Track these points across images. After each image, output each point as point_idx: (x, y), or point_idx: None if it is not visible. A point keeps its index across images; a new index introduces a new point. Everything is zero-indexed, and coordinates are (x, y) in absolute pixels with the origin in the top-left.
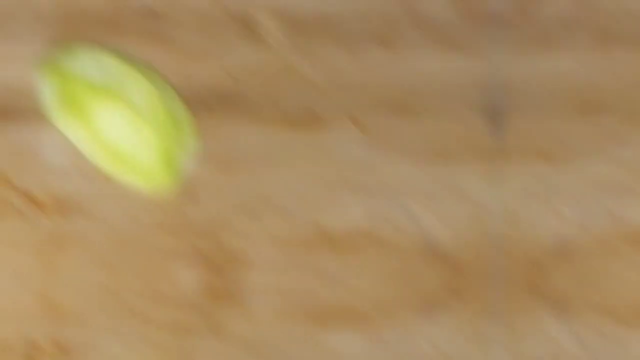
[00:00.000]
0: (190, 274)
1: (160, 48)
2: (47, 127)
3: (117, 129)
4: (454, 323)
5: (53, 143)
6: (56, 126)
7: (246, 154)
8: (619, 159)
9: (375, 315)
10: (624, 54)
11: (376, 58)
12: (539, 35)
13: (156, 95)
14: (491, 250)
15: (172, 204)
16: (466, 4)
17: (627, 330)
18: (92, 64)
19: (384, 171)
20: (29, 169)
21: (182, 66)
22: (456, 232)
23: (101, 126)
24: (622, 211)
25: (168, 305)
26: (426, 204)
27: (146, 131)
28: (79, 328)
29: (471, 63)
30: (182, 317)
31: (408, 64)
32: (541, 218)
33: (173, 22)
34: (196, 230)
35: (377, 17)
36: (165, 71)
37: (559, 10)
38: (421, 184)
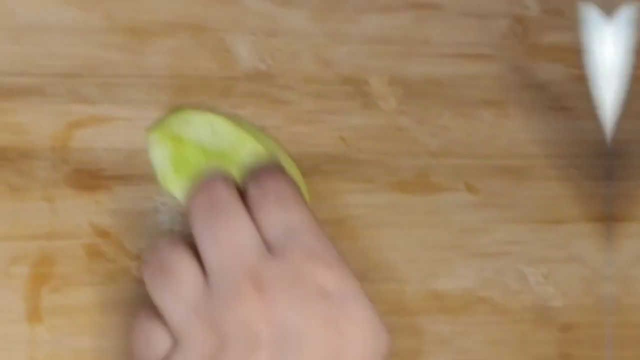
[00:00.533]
0: None
1: (272, 111)
2: (160, 191)
3: None
4: None
5: (166, 207)
6: (169, 190)
7: (357, 217)
8: None
9: None
10: None
11: (488, 121)
12: None
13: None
14: (605, 315)
15: None
16: (579, 68)
17: None
18: (205, 128)
19: (496, 234)
20: (141, 233)
21: (293, 129)
22: (569, 297)
23: None
24: None
25: None
26: (539, 268)
27: None
28: None
29: (584, 126)
30: None
31: (520, 127)
32: None
33: (285, 86)
34: None
35: (489, 81)
36: (276, 134)
37: None
38: (534, 248)
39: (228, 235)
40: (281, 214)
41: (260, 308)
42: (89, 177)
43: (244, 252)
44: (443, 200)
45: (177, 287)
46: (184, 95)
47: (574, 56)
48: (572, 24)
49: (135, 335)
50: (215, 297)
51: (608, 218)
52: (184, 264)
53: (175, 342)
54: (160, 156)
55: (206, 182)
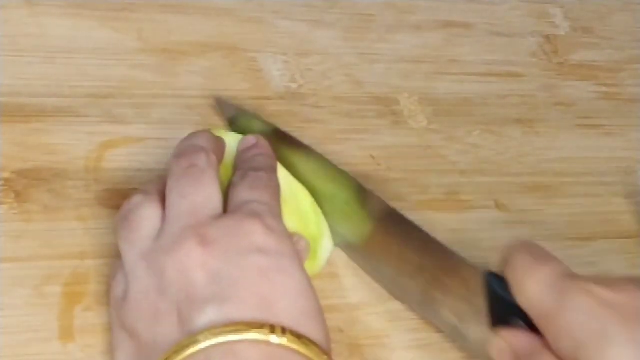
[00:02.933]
0: None
1: (303, 130)
2: None
3: None
4: None
5: None
6: None
7: None
8: None
9: None
10: None
11: (518, 139)
12: None
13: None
14: None
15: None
16: (609, 87)
17: None
18: (236, 146)
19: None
20: None
21: (324, 148)
22: None
23: None
24: None
25: None
26: None
27: (291, 218)
28: None
29: (614, 145)
30: None
31: (550, 144)
32: None
33: (316, 105)
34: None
35: (519, 99)
36: None
37: None
38: None
39: (193, 195)
40: (248, 192)
41: (198, 257)
42: (122, 197)
43: (201, 211)
44: (473, 218)
45: (134, 232)
46: (216, 115)
47: (603, 74)
48: (602, 42)
49: (111, 278)
50: (162, 244)
51: (637, 235)
52: (147, 212)
53: (127, 284)
54: None
55: (193, 148)
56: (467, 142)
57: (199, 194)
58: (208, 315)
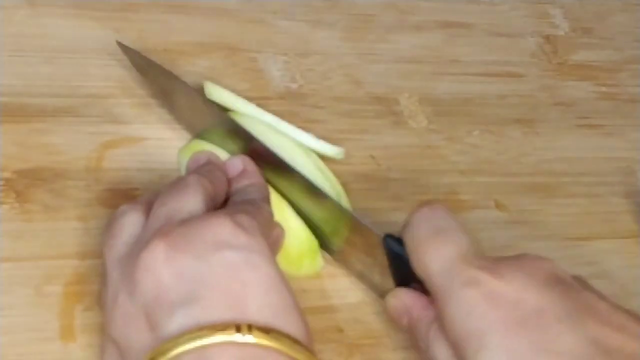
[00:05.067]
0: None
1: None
2: None
3: None
4: None
5: None
6: None
7: None
8: None
9: None
10: None
11: (517, 139)
12: None
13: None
14: None
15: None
16: (608, 87)
17: None
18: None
19: (525, 251)
20: None
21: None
22: None
23: None
24: None
25: None
26: None
27: (293, 219)
28: None
29: (613, 145)
30: None
31: (549, 144)
32: None
33: (316, 105)
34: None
35: (518, 99)
36: None
37: None
38: (563, 265)
39: (171, 202)
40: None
41: (163, 257)
42: (122, 197)
43: (175, 216)
44: (472, 217)
45: (113, 239)
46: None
47: (602, 74)
48: (601, 42)
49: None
50: (134, 248)
51: (637, 235)
52: (128, 219)
53: (105, 289)
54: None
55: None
56: (467, 142)
57: (178, 201)
58: (177, 320)
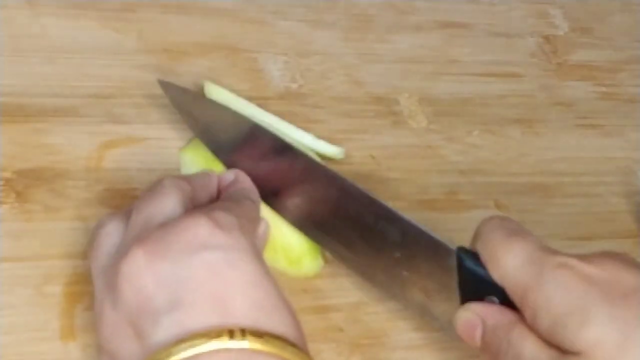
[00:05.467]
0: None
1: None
2: None
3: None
4: None
5: None
6: None
7: None
8: None
9: None
10: None
11: (517, 139)
12: None
13: None
14: None
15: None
16: (608, 87)
17: None
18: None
19: None
20: None
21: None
22: None
23: None
24: None
25: None
26: None
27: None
28: None
29: (613, 145)
30: None
31: (549, 144)
32: None
33: (316, 105)
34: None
35: (518, 99)
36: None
37: None
38: None
39: (148, 208)
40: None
41: (142, 263)
42: (122, 197)
43: (151, 221)
44: (472, 217)
45: (95, 250)
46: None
47: (602, 74)
48: (601, 42)
49: None
50: (114, 258)
51: (636, 235)
52: (107, 229)
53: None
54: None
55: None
56: (466, 142)
57: (154, 206)
58: (163, 327)
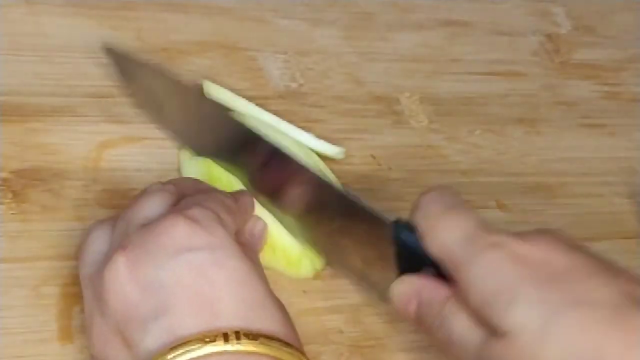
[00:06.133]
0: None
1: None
2: None
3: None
4: None
5: None
6: None
7: None
8: None
9: None
10: None
11: (519, 139)
12: None
13: None
14: None
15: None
16: (611, 86)
17: None
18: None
19: None
20: None
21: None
22: None
23: None
24: None
25: None
26: None
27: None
28: None
29: (616, 144)
30: None
31: (551, 144)
32: None
33: (316, 104)
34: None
35: (520, 98)
36: None
37: None
38: None
39: (129, 213)
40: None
41: (125, 270)
42: (120, 197)
43: (131, 224)
44: None
45: (82, 259)
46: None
47: (605, 73)
48: (604, 41)
49: None
50: (100, 266)
51: (638, 235)
52: (93, 237)
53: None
54: (192, 174)
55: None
56: (468, 142)
57: (136, 210)
58: (151, 334)
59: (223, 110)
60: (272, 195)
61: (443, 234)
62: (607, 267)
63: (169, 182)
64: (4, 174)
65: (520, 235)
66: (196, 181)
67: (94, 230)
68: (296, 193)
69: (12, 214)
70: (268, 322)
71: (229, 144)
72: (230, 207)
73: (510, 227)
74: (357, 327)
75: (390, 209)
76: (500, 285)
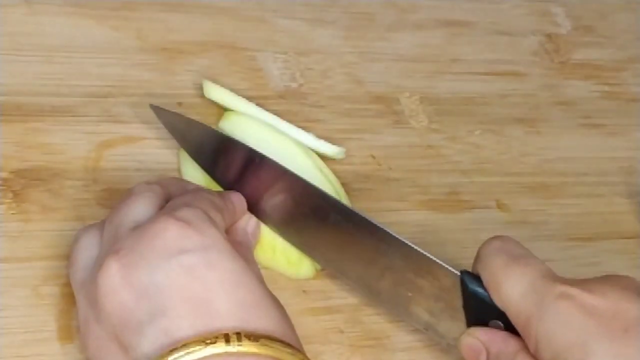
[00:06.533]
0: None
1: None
2: None
3: None
4: None
5: None
6: None
7: None
8: None
9: None
10: None
11: (519, 139)
12: None
13: None
14: None
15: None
16: (611, 86)
17: None
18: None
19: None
20: None
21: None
22: None
23: None
24: None
25: None
26: None
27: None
28: None
29: (616, 144)
30: None
31: (551, 144)
32: None
33: (316, 104)
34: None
35: (520, 98)
36: None
37: None
38: (565, 265)
39: (117, 216)
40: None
41: (118, 274)
42: (120, 197)
43: (121, 228)
44: (474, 218)
45: (72, 266)
46: (216, 114)
47: (605, 73)
48: (604, 41)
49: None
50: (92, 272)
51: (638, 235)
52: (81, 244)
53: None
54: (192, 173)
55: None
56: (468, 142)
57: (124, 213)
58: (148, 338)
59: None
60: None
61: (508, 287)
62: None
63: (155, 182)
64: (4, 174)
65: (588, 284)
66: (182, 180)
67: (82, 235)
68: (352, 252)
69: (12, 213)
70: (265, 322)
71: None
72: (218, 205)
73: (510, 227)
74: (357, 327)
75: (390, 209)
76: (570, 339)
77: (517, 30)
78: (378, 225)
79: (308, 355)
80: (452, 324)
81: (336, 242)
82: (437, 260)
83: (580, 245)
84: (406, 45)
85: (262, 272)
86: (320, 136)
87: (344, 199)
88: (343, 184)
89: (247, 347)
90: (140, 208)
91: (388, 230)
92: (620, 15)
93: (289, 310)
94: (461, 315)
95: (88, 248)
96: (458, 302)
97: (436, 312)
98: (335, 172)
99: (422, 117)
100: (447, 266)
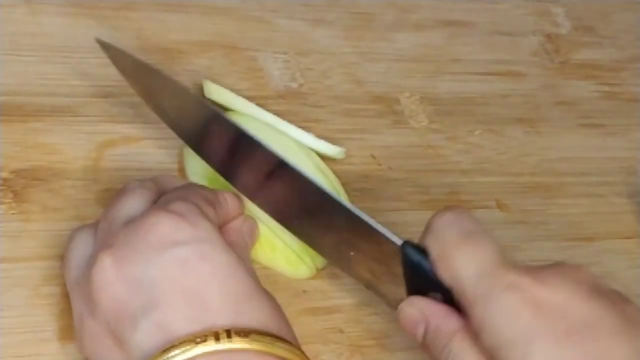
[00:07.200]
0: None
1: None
2: None
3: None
4: None
5: None
6: None
7: None
8: None
9: None
10: None
11: (519, 139)
12: None
13: None
14: None
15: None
16: (611, 86)
17: None
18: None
19: (527, 252)
20: None
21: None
22: None
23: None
24: None
25: None
26: None
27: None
28: None
29: (616, 144)
30: None
31: (551, 144)
32: None
33: (316, 104)
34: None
35: (520, 98)
36: None
37: None
38: None
39: (110, 213)
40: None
41: (111, 268)
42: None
43: (114, 224)
44: None
45: (66, 263)
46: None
47: (605, 73)
48: (604, 41)
49: None
50: (87, 267)
51: (638, 235)
52: (76, 241)
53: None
54: (195, 171)
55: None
56: (468, 142)
57: (117, 209)
58: (142, 330)
59: (220, 114)
60: (274, 209)
61: (458, 265)
62: (628, 321)
63: (148, 179)
64: (4, 174)
65: (541, 273)
66: (174, 177)
67: (76, 235)
68: (298, 204)
69: (13, 213)
70: (258, 314)
71: (228, 151)
72: (210, 200)
73: (510, 227)
74: (357, 327)
75: (390, 209)
76: (516, 333)
77: (517, 31)
78: (323, 189)
79: (308, 355)
80: (394, 287)
81: (285, 196)
82: (380, 229)
83: (580, 245)
84: (406, 45)
85: (262, 271)
86: (320, 136)
87: (343, 198)
88: (343, 184)
89: (237, 343)
90: (133, 203)
91: (331, 194)
92: (620, 16)
93: (288, 310)
94: (402, 281)
95: (82, 247)
96: (399, 270)
97: (378, 274)
98: (335, 172)
99: (422, 117)
100: (389, 236)
